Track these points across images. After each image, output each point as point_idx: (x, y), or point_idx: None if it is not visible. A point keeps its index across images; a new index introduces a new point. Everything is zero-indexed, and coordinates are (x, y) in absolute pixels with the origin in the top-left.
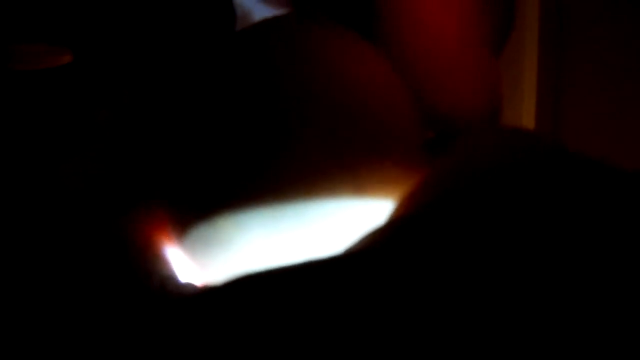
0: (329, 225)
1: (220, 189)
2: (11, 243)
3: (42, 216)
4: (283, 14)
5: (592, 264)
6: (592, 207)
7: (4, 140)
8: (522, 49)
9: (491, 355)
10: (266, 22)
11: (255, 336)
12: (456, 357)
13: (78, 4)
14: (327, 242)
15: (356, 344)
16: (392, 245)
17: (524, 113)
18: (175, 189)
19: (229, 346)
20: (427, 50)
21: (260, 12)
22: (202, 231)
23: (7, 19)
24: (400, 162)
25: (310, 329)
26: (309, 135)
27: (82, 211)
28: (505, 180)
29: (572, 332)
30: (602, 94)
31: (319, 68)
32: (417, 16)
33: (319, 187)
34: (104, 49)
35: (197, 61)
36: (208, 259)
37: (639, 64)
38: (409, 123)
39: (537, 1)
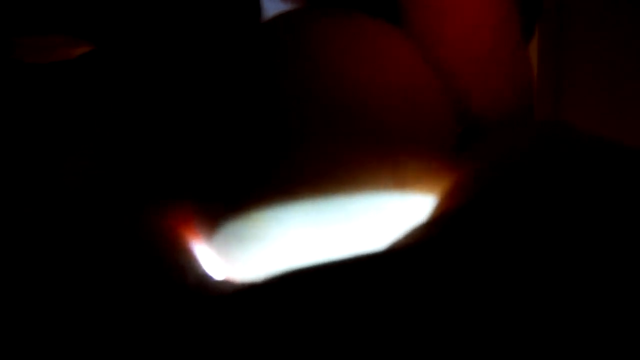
0: (368, 220)
1: (256, 182)
2: (14, 245)
3: (45, 216)
4: (295, 10)
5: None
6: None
7: (4, 138)
8: None
9: (546, 345)
10: (277, 18)
11: (300, 333)
12: (508, 351)
13: None
14: (366, 237)
15: (403, 341)
16: (440, 242)
17: None
18: (205, 183)
19: (274, 344)
20: (463, 41)
21: (271, 6)
22: (236, 226)
23: (15, 11)
24: (438, 156)
25: (357, 326)
26: (347, 127)
27: (88, 210)
28: (546, 174)
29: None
30: (602, 94)
31: (357, 62)
32: (451, 4)
33: (358, 180)
34: (122, 41)
35: (220, 53)
36: (241, 255)
37: (639, 64)
38: (444, 117)
39: None
